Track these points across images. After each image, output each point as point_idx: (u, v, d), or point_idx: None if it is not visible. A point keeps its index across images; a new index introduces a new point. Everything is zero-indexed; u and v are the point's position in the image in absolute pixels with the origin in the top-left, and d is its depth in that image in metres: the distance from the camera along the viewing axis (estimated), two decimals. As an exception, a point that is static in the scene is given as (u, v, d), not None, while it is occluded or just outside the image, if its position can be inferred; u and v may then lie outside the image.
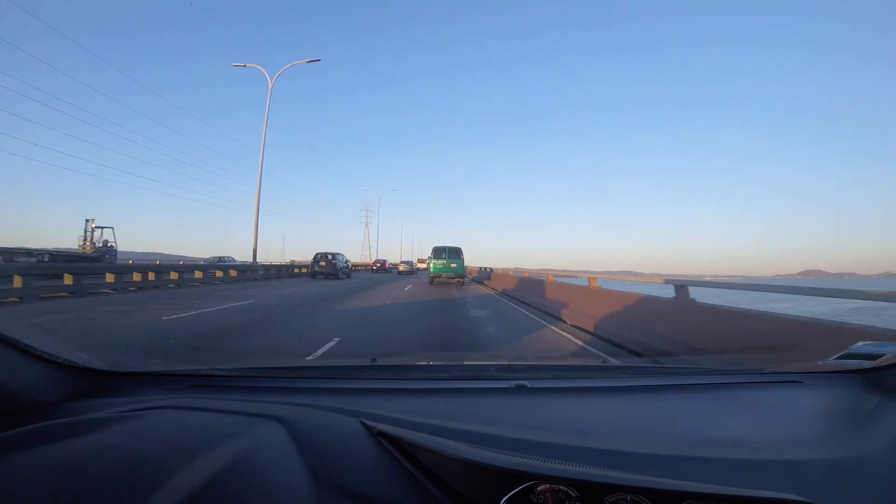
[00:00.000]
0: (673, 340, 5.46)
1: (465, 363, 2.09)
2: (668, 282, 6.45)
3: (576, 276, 10.91)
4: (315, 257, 26.36)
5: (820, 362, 1.59)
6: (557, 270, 12.86)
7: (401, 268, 41.07)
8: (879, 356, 1.42)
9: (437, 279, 21.08)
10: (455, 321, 8.63)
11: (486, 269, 25.91)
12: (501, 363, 1.78)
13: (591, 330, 7.57)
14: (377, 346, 5.86)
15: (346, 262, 28.89)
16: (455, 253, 21.40)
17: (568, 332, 7.55)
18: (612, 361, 2.30)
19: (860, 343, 1.60)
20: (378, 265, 45.38)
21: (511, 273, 18.44)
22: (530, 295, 13.01)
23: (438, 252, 21.53)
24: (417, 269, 42.74)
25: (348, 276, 27.78)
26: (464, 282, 21.44)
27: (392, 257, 67.93)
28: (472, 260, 21.73)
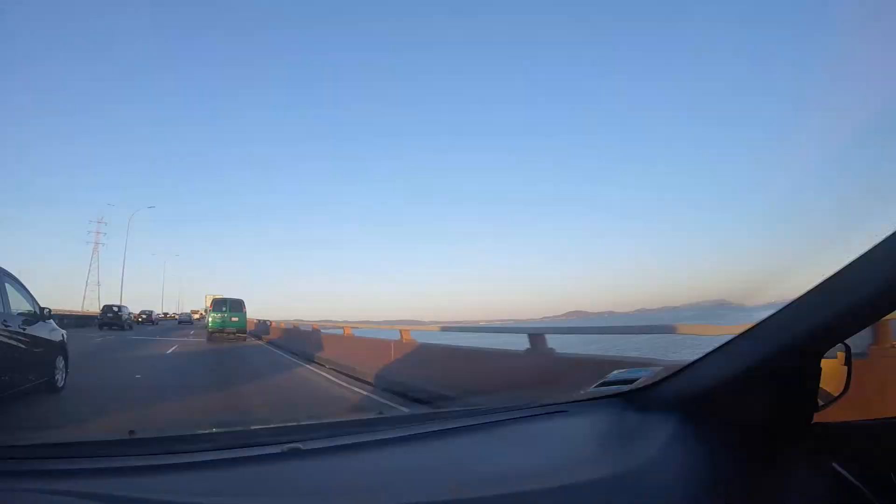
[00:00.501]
0: (435, 383, 6.13)
1: (235, 429, 1.96)
2: (446, 329, 7.05)
3: (339, 327, 12.53)
4: (104, 309, 27.48)
5: (582, 391, 1.71)
6: (336, 322, 15.40)
7: (176, 317, 43.28)
8: (634, 380, 1.58)
9: (218, 334, 19.31)
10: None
11: (264, 321, 24.90)
12: (273, 426, 1.70)
13: (347, 372, 8.74)
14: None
15: (130, 313, 30.75)
16: (237, 305, 20.10)
17: (331, 376, 8.94)
18: (390, 412, 2.36)
19: (616, 371, 1.80)
20: (144, 316, 41.83)
21: (283, 325, 19.85)
22: (298, 345, 14.57)
23: (218, 305, 19.96)
24: (194, 320, 44.02)
25: (131, 328, 28.36)
26: (246, 337, 20.34)
27: (153, 306, 58.08)
28: (252, 312, 22.15)
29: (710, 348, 1.26)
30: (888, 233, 0.78)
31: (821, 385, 1.09)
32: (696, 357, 1.32)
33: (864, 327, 0.99)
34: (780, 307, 1.04)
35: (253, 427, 1.90)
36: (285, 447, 1.22)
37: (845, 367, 1.08)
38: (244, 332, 20.23)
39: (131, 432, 1.45)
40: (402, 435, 1.39)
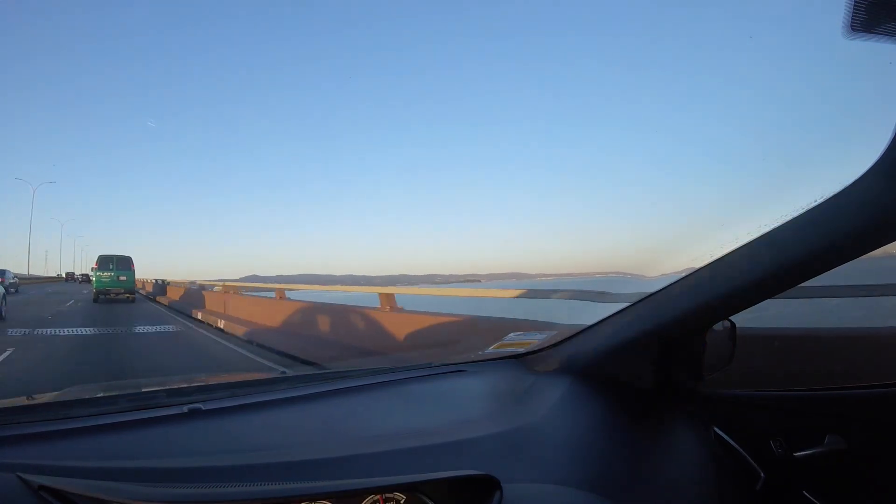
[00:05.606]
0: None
1: (133, 391, 1.84)
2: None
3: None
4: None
5: (480, 352, 1.79)
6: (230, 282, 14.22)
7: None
8: (530, 342, 1.67)
9: (104, 295, 18.79)
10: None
11: (161, 281, 23.26)
12: (172, 387, 1.66)
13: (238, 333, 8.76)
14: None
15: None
16: (124, 263, 19.57)
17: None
18: (291, 372, 2.38)
19: (512, 334, 1.90)
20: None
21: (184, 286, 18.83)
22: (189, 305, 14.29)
23: (104, 262, 19.31)
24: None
25: (17, 291, 23.10)
26: (135, 298, 19.99)
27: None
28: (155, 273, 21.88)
29: (604, 315, 1.34)
30: (774, 226, 0.87)
31: (706, 357, 1.19)
32: (590, 323, 1.39)
33: (748, 307, 1.07)
34: (671, 281, 1.11)
35: (153, 388, 1.81)
36: (186, 408, 1.21)
37: (730, 342, 1.19)
38: (133, 291, 19.89)
39: (30, 397, 1.42)
40: (304, 393, 1.39)
